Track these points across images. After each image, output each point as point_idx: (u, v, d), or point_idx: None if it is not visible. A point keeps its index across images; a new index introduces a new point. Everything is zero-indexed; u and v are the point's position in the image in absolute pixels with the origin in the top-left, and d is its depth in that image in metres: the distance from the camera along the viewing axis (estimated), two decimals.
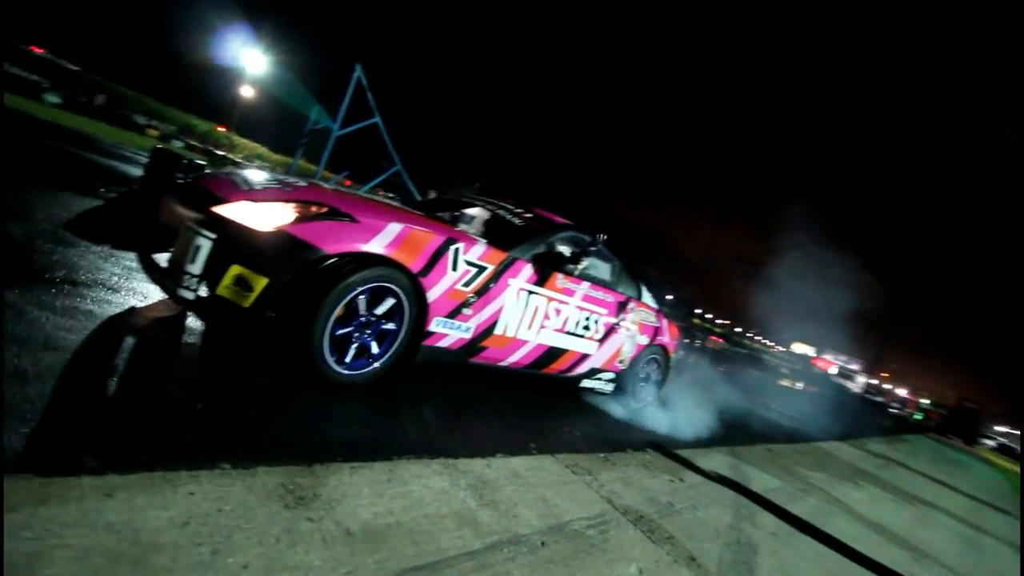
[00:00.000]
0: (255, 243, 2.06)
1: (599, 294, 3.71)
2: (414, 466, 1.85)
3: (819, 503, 3.56)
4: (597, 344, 3.76)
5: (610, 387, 4.13)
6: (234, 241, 2.05)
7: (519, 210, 3.75)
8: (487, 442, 2.43)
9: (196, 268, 2.02)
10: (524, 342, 3.20)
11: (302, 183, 2.66)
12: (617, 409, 4.08)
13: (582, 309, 3.53)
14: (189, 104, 30.43)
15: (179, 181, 2.78)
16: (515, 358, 3.23)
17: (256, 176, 2.65)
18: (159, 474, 1.30)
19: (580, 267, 3.39)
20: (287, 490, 1.42)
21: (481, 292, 2.80)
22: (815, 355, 65.75)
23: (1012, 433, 55.90)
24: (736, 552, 2.22)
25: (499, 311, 2.95)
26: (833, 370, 64.37)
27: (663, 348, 4.51)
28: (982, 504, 7.26)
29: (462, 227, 3.70)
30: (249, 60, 30.53)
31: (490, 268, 2.83)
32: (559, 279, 3.30)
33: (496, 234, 3.26)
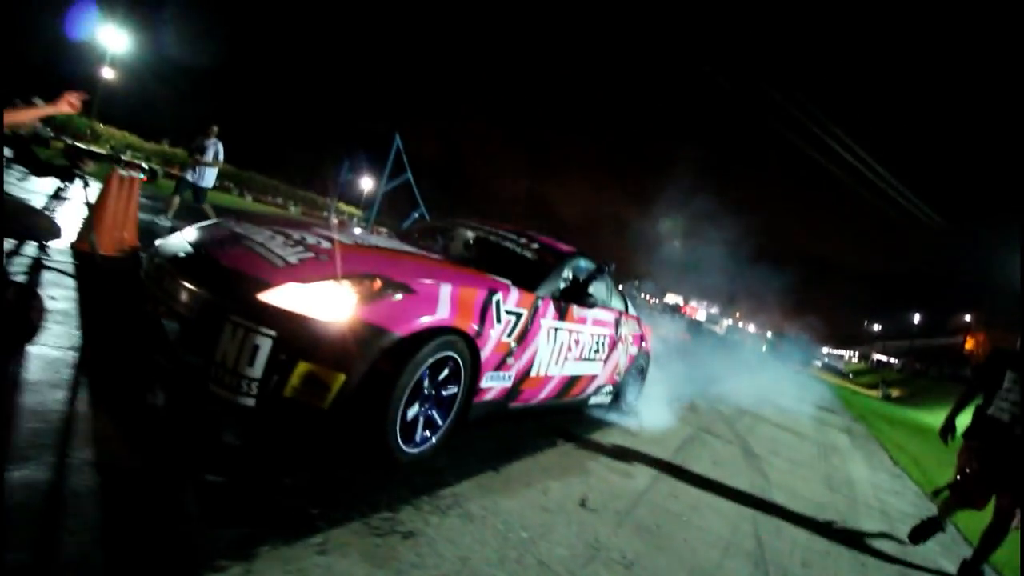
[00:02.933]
0: (325, 336, 1.79)
1: (602, 315, 3.68)
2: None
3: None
4: (603, 364, 3.76)
5: (609, 399, 4.17)
6: (299, 336, 1.76)
7: (523, 240, 3.58)
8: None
9: (256, 371, 1.72)
10: (552, 377, 3.13)
11: (324, 240, 2.34)
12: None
13: (593, 335, 3.51)
14: (33, 88, 25.54)
15: (168, 250, 2.20)
16: (544, 394, 3.16)
17: (266, 234, 2.30)
18: None
19: (597, 298, 3.34)
20: None
21: (520, 339, 2.68)
22: (683, 303, 73.30)
23: (834, 353, 68.32)
24: None
25: (535, 354, 2.85)
26: (701, 316, 72.42)
27: (646, 353, 4.68)
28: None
29: (449, 252, 3.53)
30: (108, 37, 26.42)
31: (525, 313, 2.71)
32: (575, 309, 3.23)
33: (509, 270, 3.02)
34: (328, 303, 1.84)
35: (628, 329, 4.16)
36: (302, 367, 1.76)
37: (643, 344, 4.55)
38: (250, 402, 1.74)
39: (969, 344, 41.86)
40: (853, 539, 3.19)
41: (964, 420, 3.12)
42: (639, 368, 4.61)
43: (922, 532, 3.17)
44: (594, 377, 3.71)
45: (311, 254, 2.13)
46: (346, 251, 2.27)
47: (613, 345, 3.86)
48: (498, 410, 2.76)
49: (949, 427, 3.07)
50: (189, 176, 6.93)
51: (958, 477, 3.01)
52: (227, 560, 1.32)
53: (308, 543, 1.49)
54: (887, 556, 3.04)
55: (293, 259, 2.06)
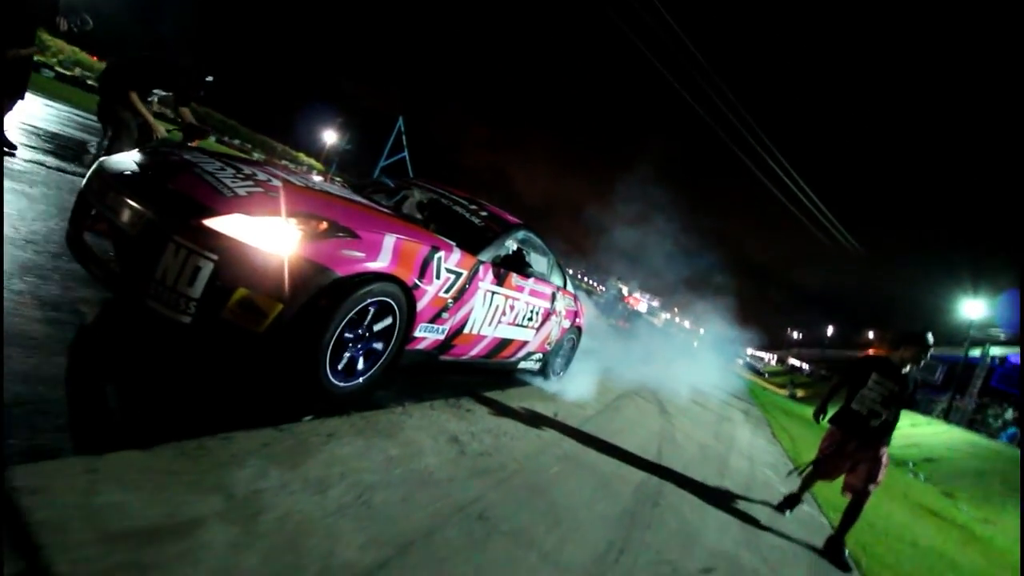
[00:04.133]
0: (267, 267, 1.84)
1: (540, 287, 3.83)
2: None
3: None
4: (535, 332, 3.93)
5: (537, 366, 4.36)
6: (241, 263, 1.81)
7: (474, 207, 3.71)
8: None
9: (196, 291, 1.77)
10: (484, 337, 3.28)
11: (274, 179, 2.34)
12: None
13: (528, 303, 3.66)
14: None
15: (114, 167, 2.19)
16: (475, 351, 3.31)
17: (216, 165, 2.28)
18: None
19: (536, 270, 3.49)
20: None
21: (457, 297, 2.80)
22: (627, 293, 75.75)
23: (756, 355, 73.25)
24: None
25: (469, 312, 2.98)
26: (642, 307, 75.18)
27: (579, 329, 4.90)
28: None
29: (406, 212, 3.64)
30: None
31: (464, 273, 2.81)
32: (514, 277, 3.37)
33: (456, 232, 3.16)
34: (273, 237, 1.88)
35: (563, 304, 4.36)
36: (241, 292, 1.82)
37: (576, 320, 4.74)
38: (187, 320, 1.79)
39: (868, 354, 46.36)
40: (723, 469, 4.33)
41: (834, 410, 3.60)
42: (570, 341, 4.80)
43: (787, 504, 3.65)
44: (525, 343, 3.88)
45: (260, 189, 2.14)
46: (296, 191, 2.28)
47: (547, 316, 4.04)
48: (428, 360, 2.90)
49: (822, 410, 3.58)
50: None
51: (819, 455, 3.49)
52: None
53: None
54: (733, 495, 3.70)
55: (242, 191, 2.06)
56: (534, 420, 3.33)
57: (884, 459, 3.23)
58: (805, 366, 61.80)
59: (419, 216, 3.68)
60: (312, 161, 34.92)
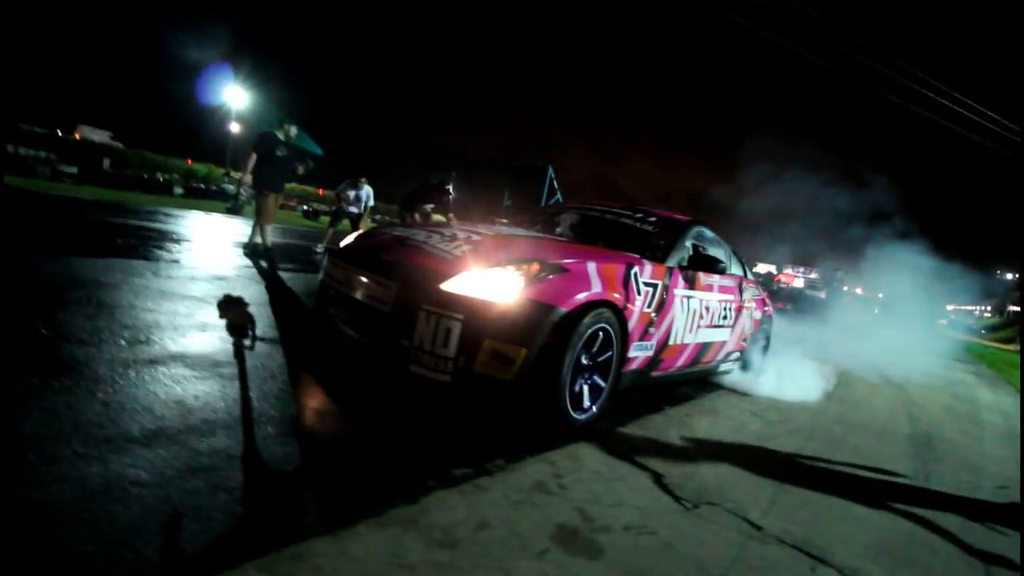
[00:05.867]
0: (505, 316, 1.97)
1: (726, 282, 3.63)
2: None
3: None
4: (730, 330, 3.71)
5: (736, 365, 4.10)
6: (483, 317, 1.96)
7: (639, 215, 3.56)
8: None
9: (451, 351, 1.94)
10: (687, 345, 3.15)
11: (473, 235, 2.54)
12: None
13: (721, 301, 3.50)
14: (186, 149, 31.10)
15: (347, 254, 2.56)
16: (681, 361, 3.18)
17: (423, 234, 2.53)
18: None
19: (725, 265, 3.32)
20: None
21: (658, 309, 2.75)
22: (776, 272, 69.22)
23: (962, 309, 61.82)
24: None
25: (672, 322, 2.91)
26: (799, 283, 68.11)
27: (770, 316, 4.59)
28: None
29: (559, 233, 3.69)
30: (231, 96, 30.93)
31: (660, 284, 2.77)
32: (701, 276, 3.23)
33: (633, 245, 3.11)
34: (501, 287, 2.02)
35: (751, 294, 4.09)
36: (488, 344, 1.96)
37: (766, 308, 4.47)
38: (446, 378, 1.96)
39: None
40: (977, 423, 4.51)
41: None
42: (764, 333, 4.50)
43: None
44: (724, 343, 3.70)
45: (470, 247, 2.30)
46: (498, 240, 2.48)
47: (739, 310, 3.82)
48: (642, 379, 2.84)
49: None
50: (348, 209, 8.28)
51: None
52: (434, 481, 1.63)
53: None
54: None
55: (458, 252, 2.25)
56: (785, 402, 3.81)
57: None
58: None
59: (591, 235, 3.56)
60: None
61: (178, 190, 18.22)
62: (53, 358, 1.97)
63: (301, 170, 6.03)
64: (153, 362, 2.12)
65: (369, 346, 2.18)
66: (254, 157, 5.69)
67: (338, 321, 2.37)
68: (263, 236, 5.80)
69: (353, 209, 8.19)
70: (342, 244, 2.70)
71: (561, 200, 13.77)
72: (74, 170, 17.07)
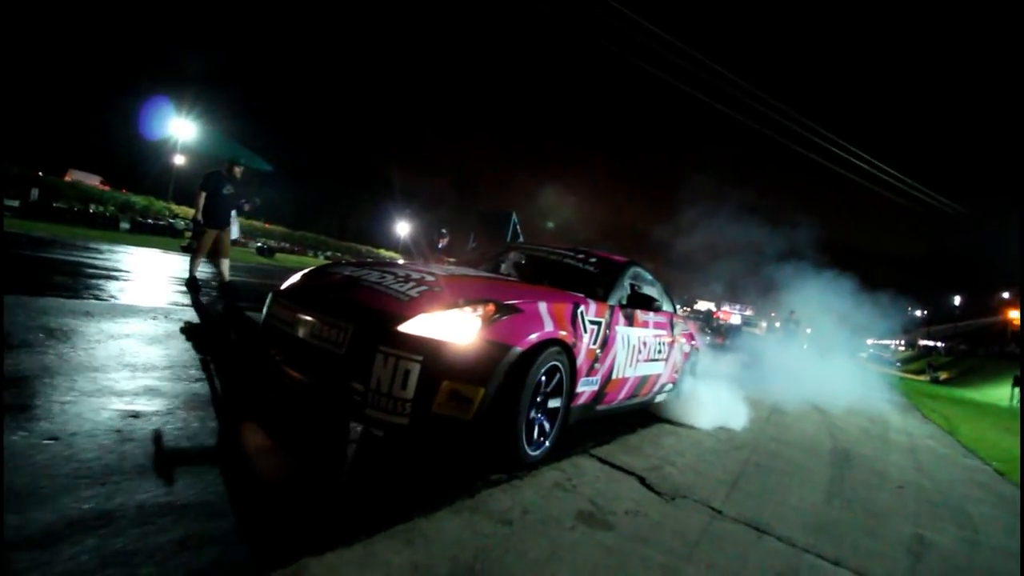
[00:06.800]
0: (463, 357, 1.99)
1: (660, 318, 3.82)
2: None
3: None
4: (664, 363, 3.86)
5: (669, 396, 4.25)
6: (441, 358, 1.95)
7: (580, 255, 3.72)
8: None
9: (408, 393, 1.92)
10: (627, 379, 3.26)
11: (427, 275, 2.54)
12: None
13: (655, 336, 3.66)
14: (124, 181, 29.71)
15: (294, 295, 2.44)
16: (622, 395, 3.28)
17: (375, 274, 2.48)
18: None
19: (660, 303, 3.51)
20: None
21: (602, 346, 2.85)
22: (715, 309, 73.19)
23: (879, 343, 67.64)
24: None
25: (614, 358, 3.01)
26: (736, 320, 72.22)
27: (697, 349, 4.90)
28: None
29: (504, 273, 3.78)
30: (177, 128, 30.33)
31: (603, 321, 2.86)
32: (639, 314, 3.38)
33: (576, 284, 3.20)
34: (458, 327, 2.03)
35: (680, 328, 4.32)
36: (446, 385, 1.95)
37: (694, 342, 4.72)
38: (403, 421, 1.93)
39: (1010, 318, 41.76)
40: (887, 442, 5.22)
41: None
42: (692, 365, 4.72)
43: None
44: (659, 376, 3.83)
45: (425, 287, 2.32)
46: (453, 281, 2.49)
47: (671, 345, 4.00)
48: (588, 413, 2.92)
49: None
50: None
51: None
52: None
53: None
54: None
55: (414, 293, 2.24)
56: (723, 430, 4.25)
57: None
58: (940, 345, 56.28)
59: (537, 275, 3.63)
60: (392, 253, 39.03)
61: (124, 224, 17.49)
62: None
63: (247, 207, 6.46)
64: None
65: (318, 388, 2.10)
66: (203, 196, 5.97)
67: (281, 363, 2.25)
68: (221, 271, 6.07)
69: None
70: (287, 284, 2.63)
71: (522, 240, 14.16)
72: (16, 203, 15.66)
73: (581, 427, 3.09)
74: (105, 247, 9.71)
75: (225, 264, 6.09)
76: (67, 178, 28.10)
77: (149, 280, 6.46)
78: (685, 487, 2.57)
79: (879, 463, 4.19)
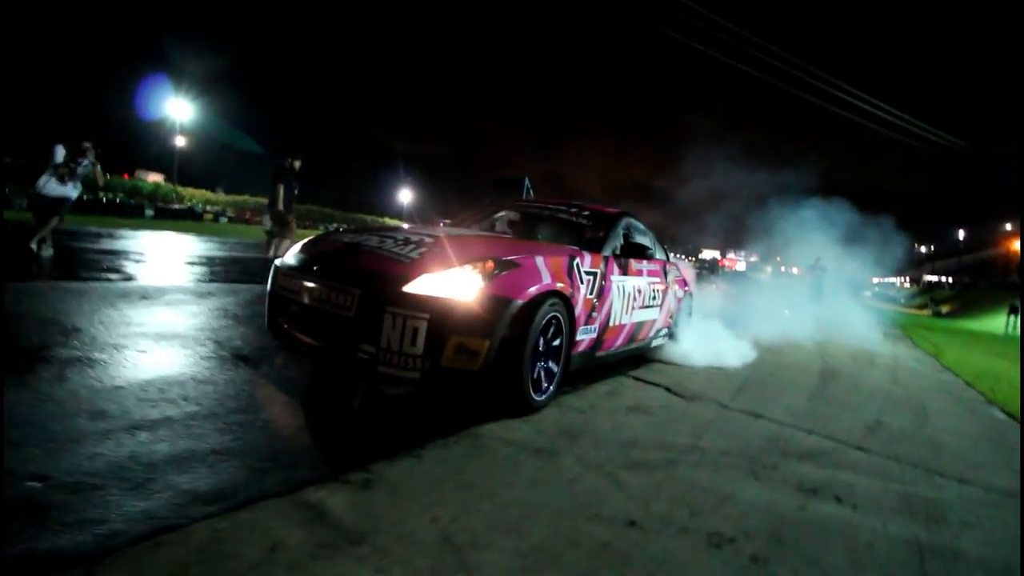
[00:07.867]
0: (467, 312, 2.11)
1: (653, 266, 3.98)
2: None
3: None
4: (659, 309, 4.08)
5: (666, 340, 4.53)
6: (448, 315, 2.08)
7: (574, 210, 3.87)
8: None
9: (419, 349, 2.05)
10: (624, 325, 3.45)
11: (426, 237, 2.63)
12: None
13: (649, 284, 3.85)
14: (121, 166, 30.10)
15: (298, 264, 2.52)
16: (619, 341, 3.47)
17: (375, 239, 2.59)
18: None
19: (653, 251, 3.69)
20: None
21: (599, 295, 3.03)
22: (720, 257, 73.81)
23: (884, 282, 68.40)
24: None
25: (611, 306, 3.19)
26: (741, 267, 72.84)
27: (690, 294, 5.10)
28: None
29: (500, 230, 4.02)
30: (175, 109, 30.43)
31: (598, 272, 3.04)
32: (632, 263, 3.54)
33: (571, 237, 3.47)
34: (461, 285, 2.16)
35: (673, 275, 4.50)
36: (454, 340, 2.09)
37: (686, 287, 4.91)
38: (415, 375, 2.07)
39: (1012, 249, 42.35)
40: (872, 362, 6.17)
41: None
42: (687, 310, 4.97)
43: None
44: (654, 321, 4.05)
45: (426, 249, 2.42)
46: (453, 241, 2.56)
47: (665, 291, 4.20)
48: (588, 360, 3.11)
49: None
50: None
51: None
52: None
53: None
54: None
55: (415, 255, 2.35)
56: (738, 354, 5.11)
57: None
58: (946, 280, 57.11)
59: (533, 231, 3.92)
60: (394, 221, 39.56)
61: (149, 212, 18.28)
62: None
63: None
64: None
65: (330, 350, 2.22)
66: (281, 188, 6.92)
67: (291, 330, 2.40)
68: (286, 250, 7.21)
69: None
70: (290, 254, 2.74)
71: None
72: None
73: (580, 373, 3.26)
74: (168, 235, 10.51)
75: (287, 244, 7.26)
76: (126, 176, 28.67)
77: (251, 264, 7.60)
78: (701, 393, 3.44)
79: (860, 378, 5.06)
